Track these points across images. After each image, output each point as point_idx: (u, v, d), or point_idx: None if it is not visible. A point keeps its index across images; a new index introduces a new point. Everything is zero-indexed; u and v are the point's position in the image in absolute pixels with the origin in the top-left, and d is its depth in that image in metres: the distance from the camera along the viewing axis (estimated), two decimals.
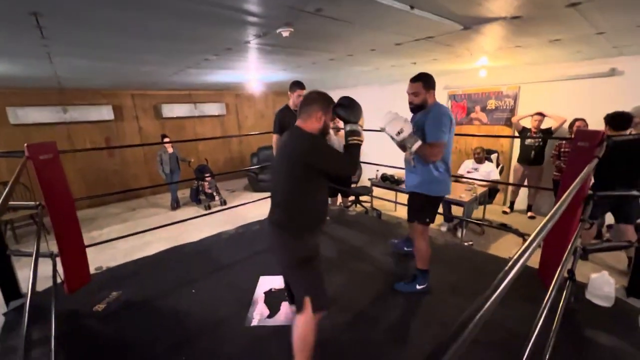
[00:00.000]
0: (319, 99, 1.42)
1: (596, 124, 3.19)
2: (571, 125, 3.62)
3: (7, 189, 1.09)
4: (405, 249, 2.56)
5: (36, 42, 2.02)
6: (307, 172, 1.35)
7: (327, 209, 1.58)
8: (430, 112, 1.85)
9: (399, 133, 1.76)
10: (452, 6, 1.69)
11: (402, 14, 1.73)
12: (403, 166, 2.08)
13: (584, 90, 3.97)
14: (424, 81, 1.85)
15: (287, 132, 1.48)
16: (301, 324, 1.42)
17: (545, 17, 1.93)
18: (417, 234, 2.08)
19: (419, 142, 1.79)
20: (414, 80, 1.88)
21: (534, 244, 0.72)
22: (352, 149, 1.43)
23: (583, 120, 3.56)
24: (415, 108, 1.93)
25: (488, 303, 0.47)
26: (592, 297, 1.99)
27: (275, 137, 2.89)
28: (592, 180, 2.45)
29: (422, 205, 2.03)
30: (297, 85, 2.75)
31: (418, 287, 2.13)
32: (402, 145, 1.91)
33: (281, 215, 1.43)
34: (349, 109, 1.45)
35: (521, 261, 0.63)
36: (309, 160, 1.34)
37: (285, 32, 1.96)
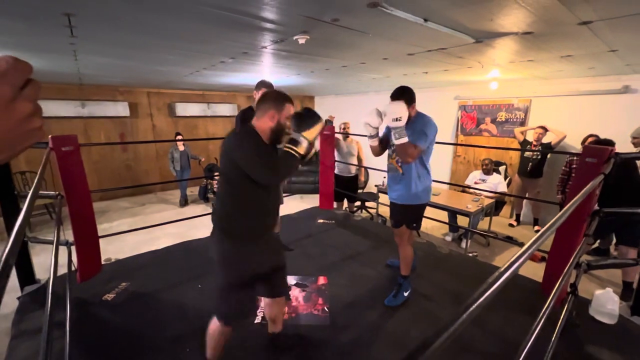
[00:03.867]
0: (274, 97, 1.36)
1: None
2: (584, 141, 3.59)
3: (37, 178, 1.16)
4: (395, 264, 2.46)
5: (65, 40, 2.13)
6: (234, 170, 1.29)
7: (270, 217, 1.44)
8: (415, 121, 1.92)
9: (397, 119, 1.76)
10: (465, 20, 1.73)
11: (416, 26, 1.78)
12: None
13: (596, 106, 3.96)
14: (405, 98, 1.86)
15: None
16: (214, 327, 1.48)
17: (556, 33, 1.96)
18: (405, 240, 2.12)
19: (407, 139, 1.81)
20: (396, 97, 1.87)
21: (526, 255, 0.74)
22: (284, 156, 1.31)
23: (596, 136, 3.53)
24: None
25: (471, 308, 0.51)
26: (596, 313, 1.99)
27: None
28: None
29: (413, 214, 2.09)
30: (261, 84, 2.51)
31: (406, 294, 2.16)
32: (383, 140, 2.06)
33: (217, 217, 1.39)
34: (301, 118, 1.36)
35: (511, 270, 0.65)
36: (233, 156, 1.28)
37: (301, 40, 2.03)
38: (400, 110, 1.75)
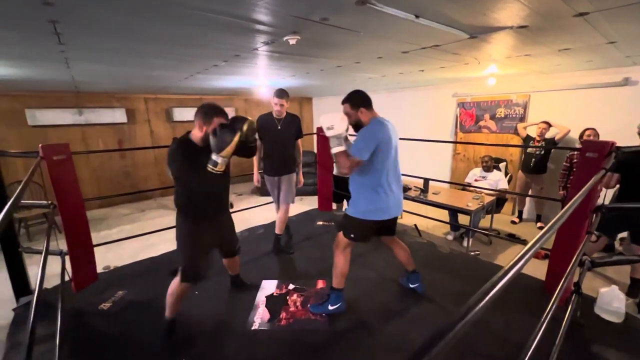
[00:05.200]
0: (200, 110, 1.62)
1: (608, 133, 3.13)
2: (581, 135, 3.55)
3: (19, 188, 1.14)
4: (411, 285, 2.27)
5: (54, 48, 2.10)
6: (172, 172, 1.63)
7: (204, 207, 1.77)
8: (364, 129, 1.81)
9: (329, 128, 1.72)
10: (457, 16, 1.70)
11: (407, 23, 1.74)
12: (410, 173, 2.01)
13: (596, 99, 3.91)
14: (351, 102, 1.83)
15: None
16: (173, 285, 1.84)
17: (552, 26, 1.91)
18: (339, 247, 1.97)
19: (342, 148, 1.74)
20: (343, 101, 1.87)
21: (530, 253, 0.71)
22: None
23: (593, 129, 3.48)
24: (354, 127, 1.88)
25: (474, 310, 0.47)
26: (601, 312, 1.93)
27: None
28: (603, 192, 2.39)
29: (350, 224, 1.93)
30: (275, 93, 2.69)
31: (330, 307, 2.00)
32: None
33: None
34: (216, 139, 1.53)
35: (515, 269, 0.63)
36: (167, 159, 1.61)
37: (292, 40, 2.00)
38: (331, 118, 1.73)
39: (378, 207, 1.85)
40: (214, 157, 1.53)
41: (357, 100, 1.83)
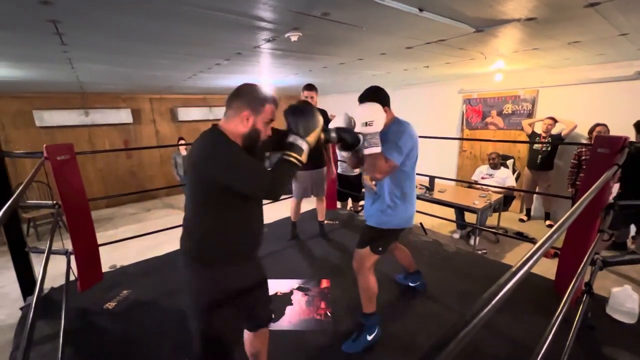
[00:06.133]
0: (249, 92, 1.07)
1: (620, 129, 3.04)
2: (591, 130, 3.45)
3: (21, 187, 1.13)
4: (411, 284, 2.22)
5: (57, 49, 2.11)
6: (211, 187, 1.04)
7: (256, 238, 1.21)
8: (389, 129, 1.55)
9: (368, 124, 1.41)
10: (462, 8, 1.65)
11: (411, 17, 1.70)
12: (416, 171, 1.82)
13: (607, 94, 3.80)
14: (377, 99, 1.52)
15: (201, 133, 1.12)
16: None
17: (562, 18, 1.85)
18: (364, 266, 1.69)
19: (380, 149, 1.45)
20: (362, 100, 1.55)
21: (540, 252, 0.68)
22: (283, 166, 1.10)
23: (604, 125, 3.38)
24: None
25: (480, 315, 0.44)
26: (614, 312, 1.88)
27: None
28: (615, 189, 2.33)
29: (382, 237, 1.71)
30: (304, 87, 2.70)
31: (369, 338, 1.72)
32: (352, 148, 1.57)
33: (187, 241, 1.14)
34: (299, 116, 1.14)
35: (524, 269, 0.60)
36: (212, 172, 1.02)
37: (293, 37, 1.98)
38: (372, 111, 1.42)
39: (411, 214, 1.71)
40: (298, 142, 1.11)
41: (384, 98, 1.55)
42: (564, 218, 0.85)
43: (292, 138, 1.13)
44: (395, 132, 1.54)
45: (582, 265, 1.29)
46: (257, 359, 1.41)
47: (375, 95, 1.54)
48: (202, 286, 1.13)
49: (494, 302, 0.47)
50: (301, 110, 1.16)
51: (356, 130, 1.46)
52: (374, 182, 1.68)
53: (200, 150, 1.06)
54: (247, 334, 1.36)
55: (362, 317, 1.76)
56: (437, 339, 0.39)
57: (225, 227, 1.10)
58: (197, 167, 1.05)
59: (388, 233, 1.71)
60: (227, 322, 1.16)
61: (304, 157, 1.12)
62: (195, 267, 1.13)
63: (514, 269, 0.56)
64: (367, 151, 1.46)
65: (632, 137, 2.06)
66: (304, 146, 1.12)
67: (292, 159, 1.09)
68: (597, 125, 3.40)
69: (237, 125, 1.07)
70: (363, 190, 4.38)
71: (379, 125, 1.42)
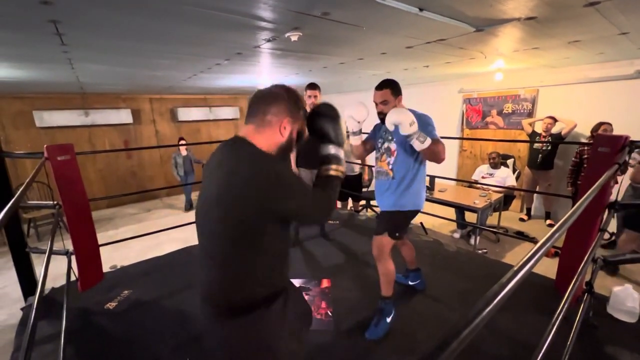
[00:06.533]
0: (289, 97, 0.91)
1: (621, 128, 3.04)
2: (596, 129, 3.43)
3: (22, 188, 1.13)
4: (410, 282, 2.24)
5: (57, 49, 2.12)
6: (263, 219, 0.84)
7: (289, 261, 1.04)
8: (417, 114, 1.67)
9: (412, 123, 1.50)
10: (462, 8, 1.65)
11: (411, 16, 1.70)
12: None
13: (607, 93, 3.80)
14: (392, 87, 1.67)
15: (221, 148, 0.94)
16: None
17: (562, 17, 1.85)
18: (385, 253, 1.78)
19: (429, 139, 1.55)
20: (381, 87, 1.69)
21: (541, 252, 0.68)
22: (332, 182, 0.96)
23: (609, 124, 3.36)
24: (385, 118, 1.66)
25: (482, 315, 0.44)
26: (615, 311, 1.88)
27: None
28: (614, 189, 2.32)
29: (401, 221, 1.80)
30: (307, 86, 2.66)
31: (388, 320, 1.84)
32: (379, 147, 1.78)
33: (219, 291, 0.90)
34: (332, 123, 0.99)
35: (526, 268, 0.60)
36: (270, 203, 0.83)
37: (294, 37, 1.98)
38: (409, 114, 1.52)
39: (424, 196, 1.84)
40: (338, 152, 0.98)
41: (398, 88, 1.69)
42: (565, 218, 0.85)
43: (331, 149, 0.98)
44: (421, 119, 1.61)
45: (582, 264, 1.30)
46: None
47: (390, 83, 1.69)
48: (256, 340, 0.90)
49: (495, 301, 0.47)
50: (332, 116, 1.01)
51: (402, 132, 1.53)
52: (390, 167, 1.77)
53: (242, 173, 0.83)
54: None
55: (381, 301, 1.85)
56: (439, 338, 0.39)
57: (273, 260, 0.93)
58: (231, 197, 0.83)
59: (405, 215, 1.80)
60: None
61: (343, 168, 1.00)
62: (240, 320, 0.89)
63: (515, 268, 0.56)
64: (425, 145, 1.54)
65: (638, 136, 2.05)
66: (342, 155, 1.00)
67: (339, 173, 0.97)
68: (602, 124, 3.37)
69: (274, 135, 0.90)
70: (364, 189, 4.38)
71: (417, 122, 1.53)
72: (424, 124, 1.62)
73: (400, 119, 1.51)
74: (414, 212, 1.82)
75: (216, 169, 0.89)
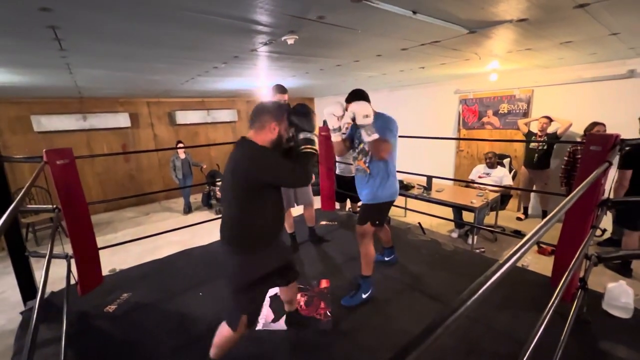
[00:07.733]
0: (272, 108, 1.40)
1: (614, 127, 3.08)
2: (589, 129, 3.47)
3: (22, 192, 1.15)
4: (386, 258, 2.58)
5: (56, 54, 2.13)
6: (252, 186, 1.32)
7: (282, 221, 1.54)
8: (376, 120, 1.88)
9: (366, 116, 1.78)
10: (455, 10, 1.68)
11: (405, 19, 1.73)
12: (413, 171, 2.14)
13: (600, 93, 3.85)
14: (365, 98, 1.94)
15: (235, 144, 1.42)
16: (227, 333, 1.45)
17: (553, 19, 1.89)
18: (366, 237, 2.08)
19: (377, 135, 1.82)
20: (354, 99, 1.93)
21: (527, 245, 0.70)
22: (304, 158, 1.42)
23: (602, 124, 3.40)
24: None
25: (467, 304, 0.46)
26: (609, 307, 1.91)
27: None
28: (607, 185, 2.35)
29: (379, 212, 2.11)
30: (276, 89, 2.55)
31: (364, 296, 2.11)
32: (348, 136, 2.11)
33: (229, 233, 1.40)
34: (303, 117, 1.46)
35: (511, 261, 0.62)
36: (255, 173, 1.31)
37: (290, 40, 2.00)
38: (367, 108, 1.80)
39: (396, 189, 2.10)
40: (302, 135, 1.44)
41: (368, 97, 1.98)
42: (553, 212, 0.87)
43: (304, 135, 1.45)
44: (383, 121, 1.93)
45: (574, 260, 1.32)
46: (291, 303, 1.88)
47: (362, 95, 1.97)
48: (246, 270, 1.40)
49: (480, 291, 0.50)
50: (305, 112, 1.47)
51: (358, 122, 1.81)
52: (366, 165, 2.06)
53: (242, 158, 1.34)
54: (281, 288, 1.75)
55: (360, 279, 2.14)
56: (426, 325, 0.41)
57: (264, 217, 1.39)
58: (240, 172, 1.32)
59: (383, 206, 2.11)
60: (264, 291, 1.51)
61: (316, 146, 1.47)
62: (239, 255, 1.39)
63: (501, 262, 0.59)
64: (369, 138, 1.82)
65: (631, 133, 2.08)
66: (315, 138, 1.46)
67: (313, 150, 1.44)
68: (596, 124, 3.40)
69: (267, 134, 1.38)
70: None
71: (372, 117, 1.80)
72: (384, 123, 1.91)
73: (357, 110, 1.79)
74: (390, 203, 2.13)
75: (232, 157, 1.37)
